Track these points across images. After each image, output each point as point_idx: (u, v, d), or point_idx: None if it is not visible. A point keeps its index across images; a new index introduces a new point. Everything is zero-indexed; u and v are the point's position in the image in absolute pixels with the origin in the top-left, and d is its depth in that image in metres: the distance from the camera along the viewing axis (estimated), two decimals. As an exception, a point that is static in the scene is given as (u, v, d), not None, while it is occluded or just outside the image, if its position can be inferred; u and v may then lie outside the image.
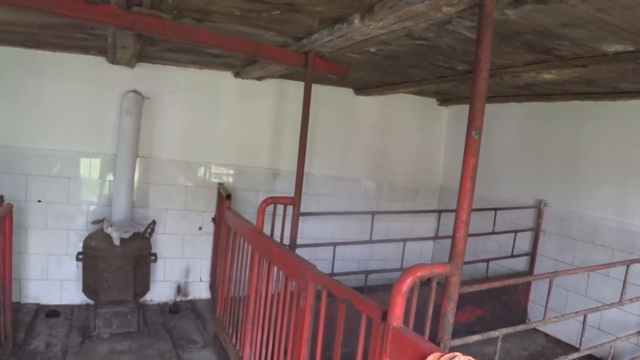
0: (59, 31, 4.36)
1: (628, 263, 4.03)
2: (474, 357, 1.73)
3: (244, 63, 5.27)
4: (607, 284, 5.04)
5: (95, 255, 4.78)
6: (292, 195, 4.22)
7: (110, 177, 5.60)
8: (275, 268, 3.50)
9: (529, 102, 6.01)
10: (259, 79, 5.95)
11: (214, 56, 5.00)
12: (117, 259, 4.75)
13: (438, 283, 2.50)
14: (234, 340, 4.34)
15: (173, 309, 5.85)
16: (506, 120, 6.39)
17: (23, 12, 3.68)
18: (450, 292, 2.32)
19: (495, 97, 6.16)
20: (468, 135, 2.26)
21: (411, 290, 2.18)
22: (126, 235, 4.81)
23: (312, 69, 4.13)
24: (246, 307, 3.99)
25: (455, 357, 1.73)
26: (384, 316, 2.19)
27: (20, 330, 4.80)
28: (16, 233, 4.82)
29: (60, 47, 5.22)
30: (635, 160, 5.00)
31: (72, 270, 5.56)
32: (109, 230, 4.78)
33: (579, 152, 5.56)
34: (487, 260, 6.04)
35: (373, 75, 5.40)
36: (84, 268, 4.98)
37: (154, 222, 5.22)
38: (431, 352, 1.81)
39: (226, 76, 5.92)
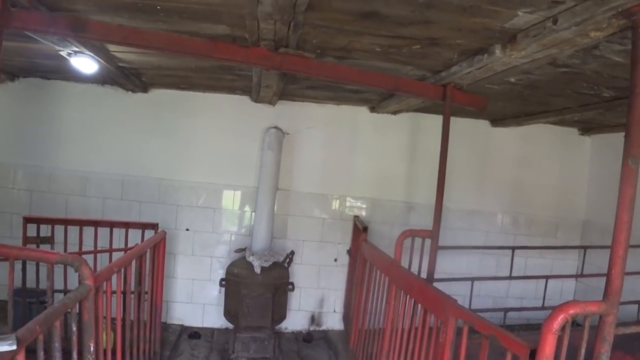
0: (210, 73, 4.76)
1: None
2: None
3: (381, 98, 5.37)
4: None
5: (238, 282, 5.04)
6: (430, 228, 4.18)
7: (251, 209, 5.92)
8: (413, 301, 3.46)
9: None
10: (394, 113, 6.02)
11: (352, 92, 5.15)
12: (258, 286, 4.97)
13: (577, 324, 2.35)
14: (367, 373, 4.32)
15: (306, 337, 5.95)
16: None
17: (182, 58, 4.07)
18: (604, 333, 2.16)
19: None
20: (624, 165, 2.12)
21: (562, 329, 2.07)
22: (266, 264, 5.03)
23: (450, 102, 4.10)
24: (381, 340, 3.96)
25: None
26: (532, 355, 2.09)
27: (166, 348, 5.16)
28: (167, 258, 5.23)
29: (209, 88, 5.69)
30: None
31: (214, 295, 5.90)
32: (250, 259, 5.03)
33: None
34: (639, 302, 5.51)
35: (511, 105, 5.25)
36: (226, 293, 5.26)
37: (292, 253, 5.41)
38: None
39: (362, 111, 6.07)
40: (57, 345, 2.16)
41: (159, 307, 4.58)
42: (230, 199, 6.00)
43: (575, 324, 2.31)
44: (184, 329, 5.89)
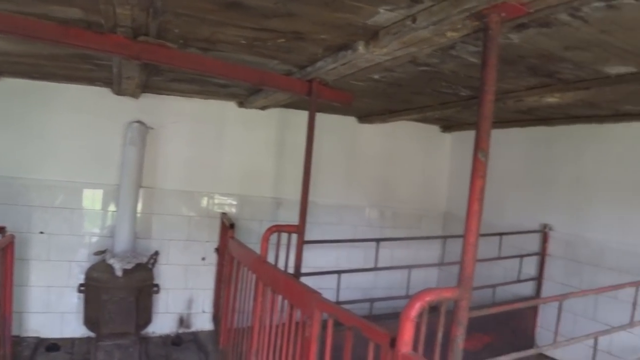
0: (65, 62, 4.39)
1: (637, 285, 4.00)
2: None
3: (248, 92, 5.29)
4: (615, 307, 4.95)
5: (97, 287, 4.72)
6: (297, 223, 4.19)
7: (113, 208, 5.57)
8: (280, 297, 3.43)
9: (532, 127, 6.02)
10: (263, 108, 5.97)
11: (219, 86, 5.03)
12: (119, 290, 4.69)
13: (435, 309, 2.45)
14: (238, 373, 4.25)
15: (175, 341, 5.74)
16: (510, 145, 6.39)
17: (31, 44, 3.71)
18: (459, 317, 2.26)
19: (499, 122, 6.15)
20: (475, 158, 2.23)
21: (420, 316, 2.13)
22: (128, 266, 4.76)
23: (316, 97, 4.13)
24: (250, 338, 3.91)
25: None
26: (393, 343, 2.13)
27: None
28: (18, 265, 4.78)
29: (65, 79, 5.25)
30: (637, 182, 4.98)
31: (74, 302, 5.48)
32: (111, 261, 4.73)
33: (583, 175, 5.53)
34: (494, 286, 5.95)
35: (377, 102, 5.42)
36: (86, 300, 4.91)
37: (156, 253, 5.18)
38: None
39: (230, 106, 5.95)
40: None
41: (9, 320, 4.17)
42: (91, 198, 5.59)
43: (437, 310, 2.40)
44: (40, 341, 5.39)
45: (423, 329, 2.25)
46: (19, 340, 5.12)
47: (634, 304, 4.01)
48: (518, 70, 3.55)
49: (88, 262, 5.39)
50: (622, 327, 4.01)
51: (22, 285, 5.26)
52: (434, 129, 7.24)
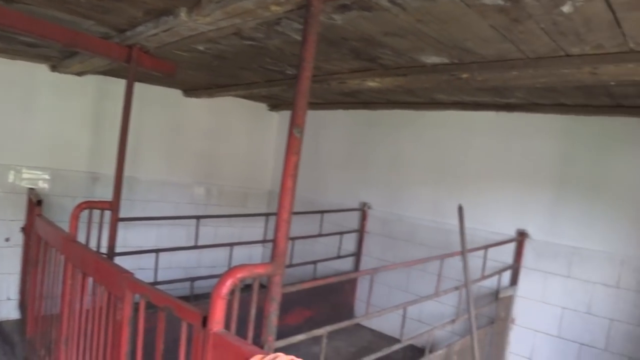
0: None
1: (442, 257, 4.40)
2: (298, 357, 1.68)
3: (62, 55, 4.80)
4: (425, 279, 5.43)
5: None
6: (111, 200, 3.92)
7: None
8: (91, 280, 3.19)
9: (355, 110, 6.29)
10: (79, 74, 5.46)
11: (27, 45, 4.49)
12: None
13: (263, 286, 2.44)
14: (46, 363, 3.90)
15: (-25, 332, 5.14)
16: (334, 127, 6.63)
17: None
18: (272, 293, 2.26)
19: (324, 104, 6.35)
20: (290, 134, 2.23)
21: (232, 293, 2.09)
22: None
23: (135, 65, 3.87)
24: (59, 325, 3.60)
25: (277, 357, 1.67)
26: (205, 322, 2.07)
27: None
28: None
29: None
30: (448, 165, 5.45)
31: None
32: None
33: (400, 157, 5.92)
34: (315, 262, 6.17)
35: (202, 75, 5.26)
36: None
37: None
38: (253, 355, 1.76)
39: (41, 69, 5.35)
40: None
41: None
42: None
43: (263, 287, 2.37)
44: None
45: (235, 306, 2.21)
46: None
47: (439, 275, 4.39)
48: (342, 53, 3.63)
49: None
50: (428, 297, 4.39)
51: None
52: (262, 107, 7.25)
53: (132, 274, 2.69)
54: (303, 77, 2.30)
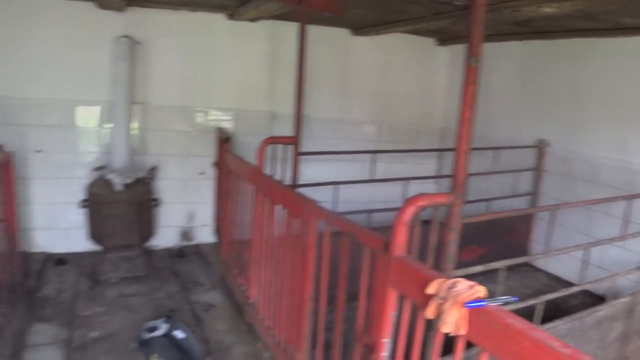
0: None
1: (630, 198, 4.03)
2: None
3: (237, 3, 5.13)
4: (608, 222, 5.03)
5: (99, 202, 4.81)
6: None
7: (108, 125, 5.56)
8: (278, 207, 3.52)
9: (529, 40, 5.89)
10: (253, 20, 5.80)
11: (208, -5, 4.87)
12: (120, 204, 4.79)
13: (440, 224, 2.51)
14: (239, 281, 4.42)
15: (179, 253, 5.91)
16: (507, 59, 6.29)
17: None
18: (452, 223, 2.34)
19: (496, 35, 6.04)
20: (467, 64, 2.23)
21: (413, 220, 2.20)
22: (128, 181, 4.82)
23: (306, 6, 4.04)
24: (251, 248, 4.04)
25: (457, 282, 1.74)
26: (387, 247, 2.21)
27: (31, 278, 4.88)
28: (20, 184, 4.83)
29: (47, -5, 5.08)
30: (636, 99, 4.94)
31: (77, 218, 5.60)
32: (110, 176, 4.79)
33: (581, 90, 5.47)
34: (488, 200, 6.06)
35: (369, 13, 5.27)
36: (89, 215, 5.02)
37: (155, 167, 5.22)
38: (434, 279, 1.82)
39: (219, 18, 5.77)
40: None
41: (15, 235, 4.28)
42: (85, 116, 5.53)
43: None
44: (48, 256, 5.56)
45: (417, 233, 2.32)
46: (27, 256, 5.27)
47: (626, 219, 4.06)
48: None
49: (87, 179, 5.45)
50: (613, 239, 4.08)
51: (27, 203, 5.36)
52: (430, 42, 7.08)
53: (317, 202, 2.93)
54: (477, 4, 2.26)
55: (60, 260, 5.49)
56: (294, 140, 4.08)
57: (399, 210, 2.15)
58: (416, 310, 2.00)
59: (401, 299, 2.14)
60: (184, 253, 5.93)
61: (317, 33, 5.83)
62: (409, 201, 2.14)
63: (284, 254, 3.41)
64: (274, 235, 3.59)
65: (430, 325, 1.86)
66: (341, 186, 5.49)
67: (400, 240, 2.14)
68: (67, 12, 5.23)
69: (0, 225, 3.84)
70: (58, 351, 3.84)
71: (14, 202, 4.23)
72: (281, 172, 4.35)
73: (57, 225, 5.65)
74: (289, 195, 3.28)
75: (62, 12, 5.22)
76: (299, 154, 4.12)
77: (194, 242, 6.19)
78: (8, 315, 3.81)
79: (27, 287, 4.60)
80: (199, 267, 5.63)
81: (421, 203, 2.15)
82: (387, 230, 2.21)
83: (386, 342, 2.23)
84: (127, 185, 4.83)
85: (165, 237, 5.97)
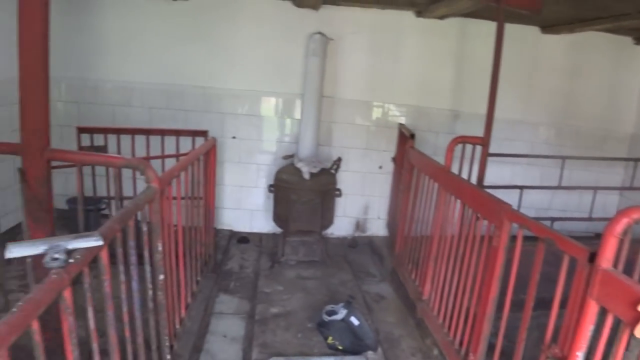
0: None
1: None
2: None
3: (428, 1, 5.16)
4: None
5: (287, 188, 5.15)
6: (477, 136, 4.16)
7: (295, 116, 5.93)
8: (465, 206, 3.49)
9: None
10: (441, 17, 5.79)
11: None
12: (307, 191, 5.08)
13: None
14: (413, 276, 4.46)
15: (351, 243, 6.12)
16: None
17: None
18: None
19: None
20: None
21: (624, 234, 2.08)
22: (315, 170, 5.10)
23: (504, 4, 3.94)
24: (429, 244, 4.06)
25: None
26: (592, 258, 2.11)
27: (218, 252, 5.38)
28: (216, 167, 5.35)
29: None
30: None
31: (261, 201, 6.07)
32: (299, 165, 5.10)
33: None
34: None
35: (567, 9, 4.98)
36: (275, 199, 5.39)
37: (339, 159, 5.45)
38: None
39: (408, 15, 5.84)
40: (132, 242, 2.28)
41: (212, 213, 4.74)
42: (275, 107, 6.01)
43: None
44: (233, 234, 6.12)
45: (626, 246, 2.19)
46: (216, 232, 5.81)
47: None
48: None
49: (273, 166, 5.88)
50: None
51: (218, 184, 5.88)
52: (627, 40, 6.47)
53: (510, 205, 2.88)
54: None
55: (243, 238, 5.99)
56: (483, 141, 4.02)
57: (610, 220, 2.04)
58: (618, 326, 1.90)
59: (602, 312, 2.03)
60: (356, 243, 6.12)
61: (505, 31, 5.67)
62: (622, 213, 2.02)
63: (468, 253, 3.38)
64: (458, 234, 3.57)
65: (631, 343, 1.77)
66: (525, 190, 5.28)
67: (609, 252, 2.04)
68: (267, 10, 5.70)
69: (201, 203, 4.27)
70: (241, 321, 4.23)
71: (214, 183, 4.67)
72: (469, 171, 4.30)
73: (243, 206, 6.18)
74: (480, 196, 3.25)
75: (263, 10, 5.69)
76: (487, 154, 4.04)
77: (367, 233, 6.37)
78: (200, 284, 4.24)
79: (215, 260, 5.06)
80: (370, 259, 5.78)
81: (636, 216, 2.01)
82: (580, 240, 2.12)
83: (580, 355, 2.14)
84: (314, 175, 5.10)
85: (340, 226, 6.22)
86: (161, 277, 2.78)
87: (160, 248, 2.72)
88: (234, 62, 5.81)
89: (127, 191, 4.49)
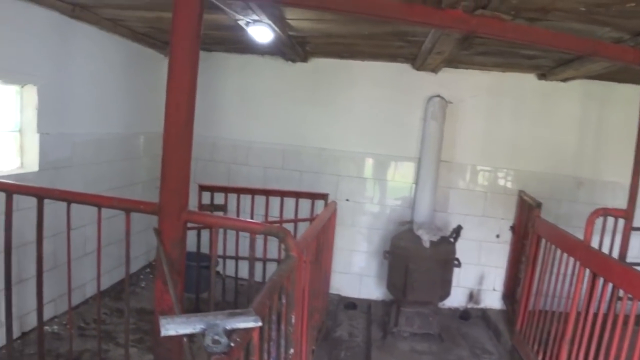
0: (380, 40, 4.65)
1: None
2: None
3: (556, 63, 4.96)
4: None
5: (405, 255, 4.96)
6: (615, 207, 3.86)
7: (412, 180, 5.83)
8: (610, 285, 3.18)
9: None
10: (565, 80, 5.56)
11: (525, 57, 4.80)
12: (427, 260, 4.87)
13: None
14: (540, 358, 4.11)
15: (463, 315, 5.81)
16: None
17: (358, 24, 4.00)
18: None
19: None
20: None
21: None
22: (435, 238, 4.91)
23: (646, 64, 3.68)
24: (563, 325, 3.73)
25: None
26: None
27: (328, 318, 5.23)
28: (327, 228, 5.31)
29: (371, 56, 5.62)
30: None
31: (372, 267, 5.93)
32: (419, 232, 4.93)
33: None
34: None
35: None
36: (391, 266, 5.22)
37: (460, 227, 5.22)
38: None
39: (529, 78, 5.66)
40: (274, 317, 2.21)
41: (328, 278, 4.66)
42: (391, 170, 5.97)
43: None
44: (340, 299, 5.98)
45: None
46: (326, 297, 5.74)
47: None
48: None
49: (386, 231, 5.75)
50: None
51: (331, 247, 5.85)
52: None
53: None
54: None
55: (351, 304, 5.83)
56: (627, 214, 3.70)
57: None
58: None
59: None
60: (468, 315, 5.81)
61: (616, 90, 5.43)
62: None
63: (616, 339, 3.05)
64: (601, 315, 3.25)
65: None
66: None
67: None
68: (386, 74, 5.76)
69: (322, 268, 4.20)
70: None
71: (332, 247, 4.61)
72: (610, 246, 3.95)
73: (352, 270, 6.05)
74: (631, 275, 2.94)
75: (382, 73, 5.76)
76: (631, 228, 3.71)
77: (480, 305, 6.02)
78: (315, 354, 4.10)
79: (327, 326, 4.93)
80: (486, 333, 5.44)
81: None
82: None
83: None
84: (433, 243, 4.91)
85: (452, 296, 5.83)
86: (291, 350, 2.69)
87: (293, 320, 2.63)
88: (351, 124, 5.88)
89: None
